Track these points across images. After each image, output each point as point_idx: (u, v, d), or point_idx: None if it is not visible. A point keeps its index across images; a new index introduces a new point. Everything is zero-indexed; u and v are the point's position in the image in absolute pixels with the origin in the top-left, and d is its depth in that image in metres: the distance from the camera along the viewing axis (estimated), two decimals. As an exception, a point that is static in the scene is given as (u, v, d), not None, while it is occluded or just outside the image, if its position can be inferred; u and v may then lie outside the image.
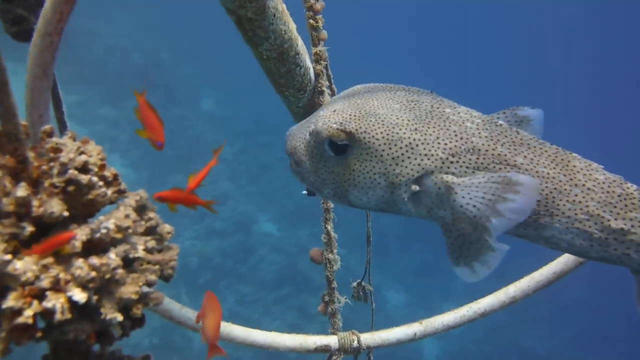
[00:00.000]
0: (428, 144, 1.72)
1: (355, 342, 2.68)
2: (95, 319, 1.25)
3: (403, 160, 1.73)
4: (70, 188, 1.21)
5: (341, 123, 1.77)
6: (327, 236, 2.75)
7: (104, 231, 1.23)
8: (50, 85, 1.50)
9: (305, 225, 18.04)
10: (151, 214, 1.35)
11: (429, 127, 1.74)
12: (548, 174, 1.71)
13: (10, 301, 1.12)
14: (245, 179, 17.88)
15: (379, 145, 1.74)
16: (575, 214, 1.69)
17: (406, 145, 1.73)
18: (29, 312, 1.14)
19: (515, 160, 1.71)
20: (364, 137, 1.75)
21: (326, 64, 2.37)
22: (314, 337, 2.65)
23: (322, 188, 1.92)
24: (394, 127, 1.75)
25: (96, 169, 1.25)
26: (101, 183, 1.25)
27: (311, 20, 2.09)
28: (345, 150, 1.78)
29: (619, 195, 1.71)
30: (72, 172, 1.20)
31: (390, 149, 1.74)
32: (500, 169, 1.70)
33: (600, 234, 1.69)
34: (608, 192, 1.71)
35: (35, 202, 1.21)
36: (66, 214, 1.20)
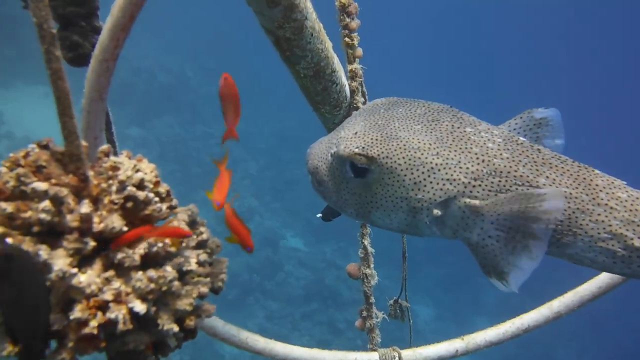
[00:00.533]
0: (450, 168, 1.72)
1: (397, 358, 2.66)
2: (152, 331, 1.31)
3: (425, 185, 1.73)
4: (129, 204, 1.28)
5: (363, 148, 1.77)
6: (364, 251, 2.76)
7: (160, 245, 1.28)
8: (105, 109, 1.58)
9: (331, 241, 18.04)
10: (202, 228, 1.40)
11: (450, 151, 1.73)
12: (571, 194, 1.70)
13: (77, 312, 1.18)
14: (270, 194, 18.02)
15: (401, 170, 1.74)
16: (599, 233, 1.68)
17: (428, 170, 1.72)
18: (94, 323, 1.19)
19: (537, 182, 1.70)
20: (386, 162, 1.75)
21: (361, 81, 2.41)
22: (355, 354, 2.64)
23: (345, 208, 1.92)
24: (415, 152, 1.73)
25: (151, 186, 1.31)
26: (157, 199, 1.31)
27: (347, 39, 2.15)
28: (366, 174, 1.79)
29: None
30: (130, 189, 1.27)
31: (412, 173, 1.73)
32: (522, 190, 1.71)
33: (624, 252, 1.68)
34: (631, 210, 1.69)
35: (95, 219, 1.28)
36: (125, 228, 1.27)
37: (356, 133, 1.82)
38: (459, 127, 1.80)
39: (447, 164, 1.72)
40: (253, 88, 23.54)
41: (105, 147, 1.39)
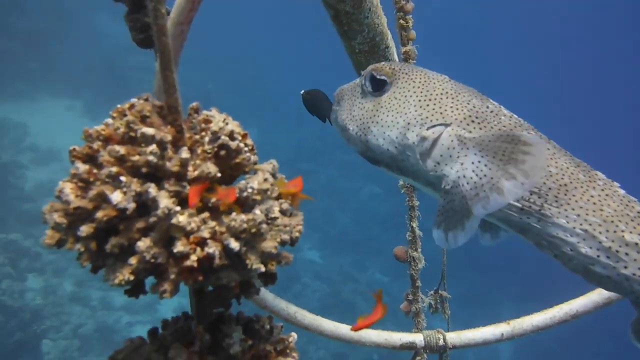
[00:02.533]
0: (458, 100, 1.77)
1: (441, 340, 2.69)
2: (240, 271, 1.42)
3: (427, 105, 1.78)
4: (222, 152, 1.39)
5: (389, 64, 1.92)
6: (412, 234, 2.80)
7: (250, 190, 1.40)
8: (176, 71, 1.69)
9: (348, 253, 18.05)
10: (284, 181, 1.51)
11: (465, 94, 1.79)
12: (568, 168, 1.63)
13: (180, 246, 1.29)
14: (287, 206, 18.12)
15: (413, 87, 1.83)
16: (587, 214, 1.57)
17: (437, 95, 1.79)
18: (194, 257, 1.30)
19: None
20: (402, 77, 1.86)
21: (414, 63, 2.52)
22: (400, 334, 2.70)
23: (349, 125, 1.98)
24: (432, 80, 1.84)
25: (240, 137, 1.43)
26: (246, 148, 1.42)
27: (401, 21, 2.26)
28: (383, 87, 1.88)
29: (639, 212, 1.59)
30: (224, 138, 1.38)
31: (421, 92, 1.81)
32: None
33: (611, 244, 1.54)
34: (627, 205, 1.60)
35: (190, 167, 1.40)
36: (219, 174, 1.38)
37: (393, 62, 2.05)
38: (484, 96, 1.85)
39: (457, 97, 1.78)
40: (267, 100, 23.83)
41: (195, 104, 1.51)
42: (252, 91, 23.69)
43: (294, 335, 1.65)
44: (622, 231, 1.53)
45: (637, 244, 1.51)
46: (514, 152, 1.54)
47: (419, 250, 2.82)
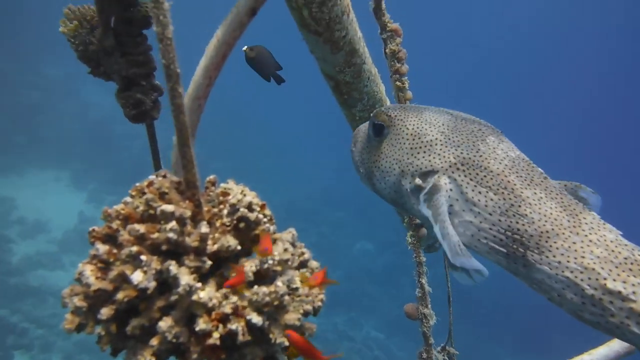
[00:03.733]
0: (446, 146, 1.80)
1: None
2: (263, 346, 1.38)
3: (418, 153, 1.84)
4: (242, 225, 1.39)
5: (387, 108, 1.99)
6: (422, 290, 2.76)
7: (270, 262, 1.38)
8: (194, 145, 1.72)
9: (342, 311, 17.72)
10: (304, 249, 1.51)
11: (456, 136, 1.82)
12: (551, 214, 1.62)
13: (202, 324, 1.27)
14: (279, 266, 17.89)
15: (407, 134, 1.89)
16: (567, 261, 1.55)
17: (427, 142, 1.84)
18: (216, 334, 1.27)
19: (522, 192, 1.67)
20: (397, 123, 1.93)
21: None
22: None
23: (360, 168, 2.08)
24: (425, 124, 1.89)
25: (258, 208, 1.43)
26: (265, 219, 1.42)
27: (398, 82, 2.34)
28: (381, 133, 1.96)
29: (626, 258, 1.52)
30: (243, 210, 1.38)
31: (413, 140, 1.87)
32: (502, 192, 1.67)
33: (594, 292, 1.51)
34: (613, 251, 1.54)
35: (209, 241, 1.39)
36: (239, 247, 1.37)
37: (395, 105, 2.05)
38: (484, 133, 1.85)
39: (446, 142, 1.81)
40: (258, 163, 24.03)
41: (212, 177, 1.52)
42: (238, 155, 23.91)
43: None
44: (605, 279, 1.50)
45: (620, 292, 1.47)
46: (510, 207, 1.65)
47: (429, 306, 2.78)
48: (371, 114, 2.02)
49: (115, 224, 1.37)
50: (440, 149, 1.81)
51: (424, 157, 1.83)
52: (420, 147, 1.85)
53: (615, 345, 2.58)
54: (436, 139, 1.84)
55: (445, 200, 1.74)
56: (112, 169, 19.20)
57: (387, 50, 2.29)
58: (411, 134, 1.89)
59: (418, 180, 1.82)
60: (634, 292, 1.47)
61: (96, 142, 20.37)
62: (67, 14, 2.00)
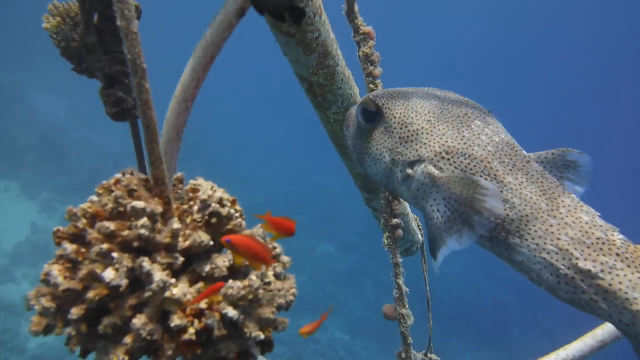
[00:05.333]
0: (432, 135, 1.86)
1: None
2: (237, 340, 1.38)
3: (407, 142, 1.89)
4: (213, 220, 1.38)
5: (375, 96, 2.02)
6: (399, 291, 2.76)
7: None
8: (179, 149, 1.68)
9: (307, 314, 17.70)
10: (275, 244, 1.51)
11: (442, 124, 1.87)
12: (531, 198, 1.71)
13: (176, 320, 1.25)
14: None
15: (395, 123, 1.94)
16: (545, 243, 1.66)
17: (414, 130, 1.89)
18: (192, 330, 1.26)
19: (504, 177, 1.74)
20: (386, 113, 1.97)
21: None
22: None
23: (352, 151, 2.12)
24: (412, 112, 1.93)
25: (229, 204, 1.43)
26: (237, 214, 1.42)
27: (371, 85, 2.36)
28: (373, 121, 1.99)
29: (598, 238, 1.64)
30: (214, 206, 1.38)
31: (401, 129, 1.92)
32: (485, 179, 1.74)
33: (567, 271, 1.63)
34: (586, 232, 1.65)
35: (180, 237, 1.38)
36: (211, 242, 1.37)
37: (383, 90, 2.07)
38: (469, 117, 1.89)
39: (432, 131, 1.86)
40: (221, 163, 23.78)
41: (179, 174, 1.50)
42: (200, 156, 23.56)
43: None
44: (577, 259, 1.61)
45: (589, 270, 1.59)
46: (475, 193, 1.68)
47: (407, 306, 2.78)
48: (360, 101, 2.04)
49: (81, 223, 1.34)
50: (427, 138, 1.86)
51: (411, 146, 1.88)
52: (408, 137, 1.90)
53: (589, 339, 2.66)
54: (422, 127, 1.88)
55: (432, 187, 1.80)
56: (66, 178, 18.58)
57: (360, 53, 2.32)
58: (399, 123, 1.93)
59: (408, 170, 1.88)
60: (602, 271, 1.58)
61: (47, 151, 19.66)
62: (50, 9, 1.96)
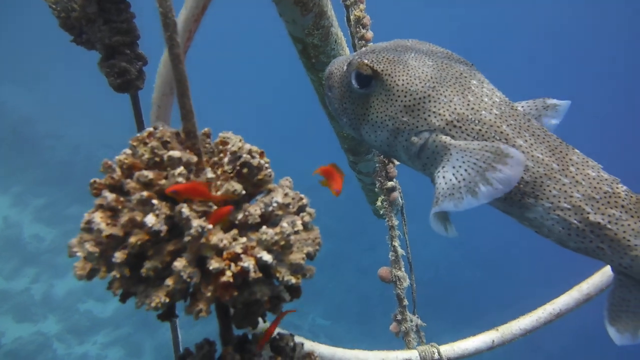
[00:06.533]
0: (439, 103, 1.85)
1: (436, 354, 2.71)
2: (269, 286, 1.43)
3: (412, 111, 1.86)
4: (244, 170, 1.43)
5: (372, 61, 1.94)
6: (395, 254, 2.83)
7: (274, 205, 1.44)
8: (172, 103, 1.72)
9: (286, 304, 17.75)
10: (301, 195, 1.56)
11: (446, 89, 1.86)
12: (543, 159, 1.79)
13: (214, 263, 1.30)
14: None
15: (397, 90, 1.89)
16: (559, 202, 1.76)
17: (420, 98, 1.85)
18: (229, 272, 1.31)
19: (515, 141, 1.80)
20: (387, 79, 1.90)
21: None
22: (396, 352, 2.69)
23: (342, 115, 2.06)
24: (415, 79, 1.88)
25: (258, 155, 1.48)
26: (267, 165, 1.47)
27: (364, 48, 2.41)
28: (369, 86, 1.93)
29: (605, 193, 1.75)
30: (246, 157, 1.43)
31: (405, 97, 1.87)
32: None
33: (579, 225, 1.75)
34: (595, 187, 1.76)
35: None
36: (244, 192, 1.42)
37: (374, 50, 2.00)
38: (466, 77, 1.91)
39: (438, 98, 1.85)
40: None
41: (207, 129, 1.54)
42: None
43: (317, 352, 1.66)
44: (588, 213, 1.74)
45: (599, 223, 1.73)
46: (494, 162, 1.70)
47: (402, 269, 2.85)
48: (352, 60, 1.98)
49: (117, 175, 1.38)
50: (435, 106, 1.85)
51: (419, 115, 1.86)
52: (414, 105, 1.86)
53: (575, 293, 2.78)
54: (429, 95, 1.86)
55: (444, 156, 1.82)
56: (37, 171, 18.18)
57: (351, 17, 2.35)
58: (402, 91, 1.88)
59: (414, 139, 1.87)
60: (609, 222, 1.73)
61: (17, 144, 19.19)
62: (49, -20, 1.95)
